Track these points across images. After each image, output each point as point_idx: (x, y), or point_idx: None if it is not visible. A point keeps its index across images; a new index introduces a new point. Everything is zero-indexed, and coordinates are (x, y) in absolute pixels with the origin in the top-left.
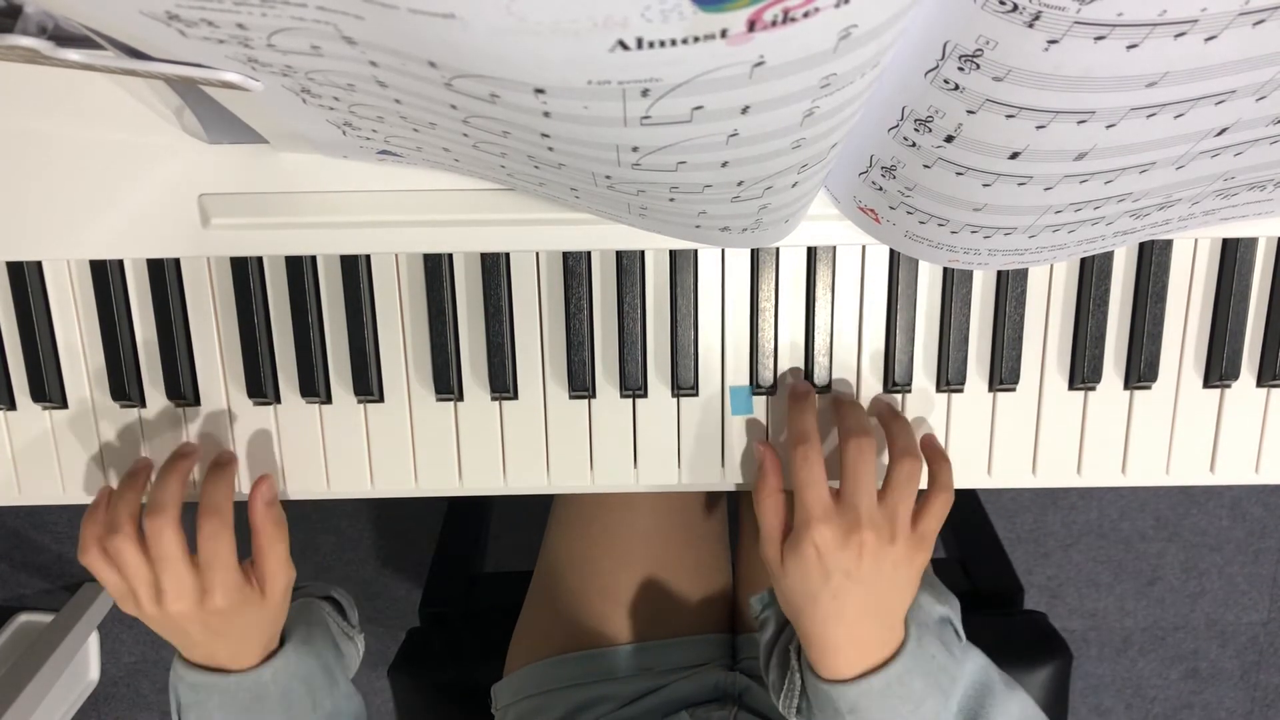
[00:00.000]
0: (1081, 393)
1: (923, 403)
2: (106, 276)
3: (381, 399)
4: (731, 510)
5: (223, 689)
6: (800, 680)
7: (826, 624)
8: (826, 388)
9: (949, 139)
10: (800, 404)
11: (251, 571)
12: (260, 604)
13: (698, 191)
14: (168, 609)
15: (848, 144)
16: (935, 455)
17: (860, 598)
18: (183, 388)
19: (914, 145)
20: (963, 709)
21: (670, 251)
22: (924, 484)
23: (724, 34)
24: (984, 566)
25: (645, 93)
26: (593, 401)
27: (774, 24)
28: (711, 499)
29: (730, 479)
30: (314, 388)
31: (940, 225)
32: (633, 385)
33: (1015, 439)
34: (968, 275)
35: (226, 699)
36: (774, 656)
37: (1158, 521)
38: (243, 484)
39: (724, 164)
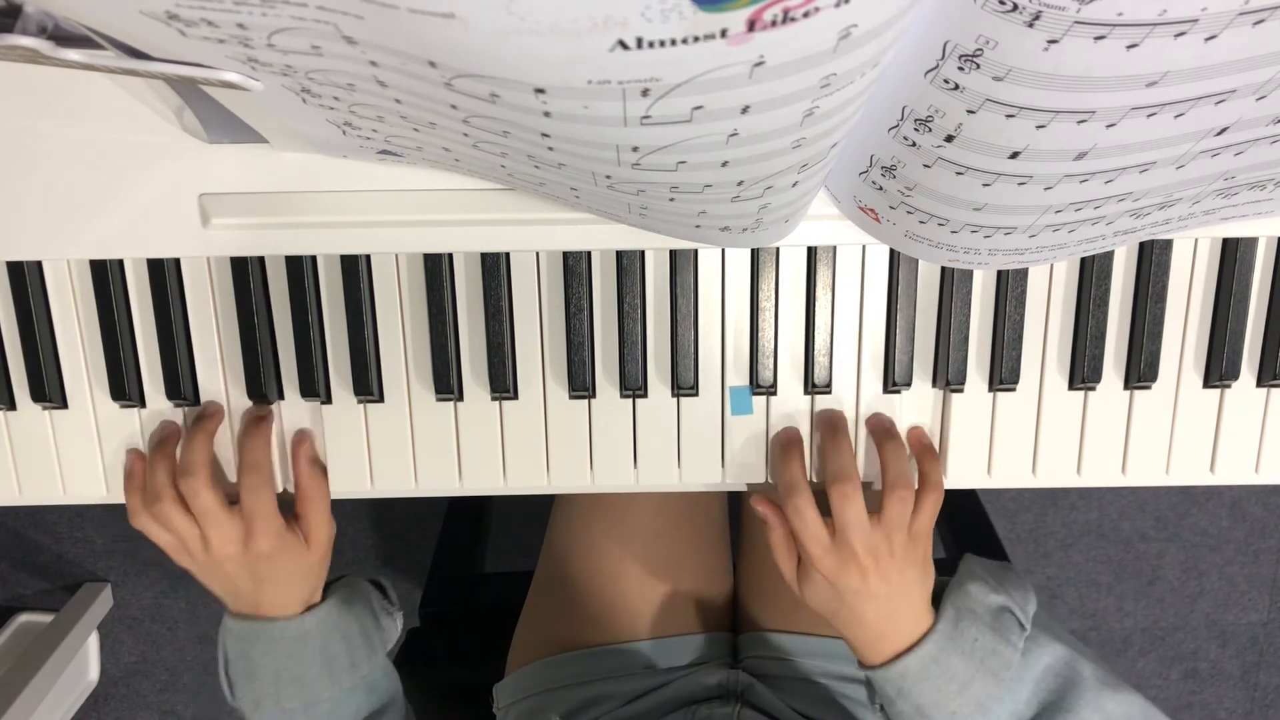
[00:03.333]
0: (1081, 393)
1: (922, 402)
2: (106, 276)
3: (381, 399)
4: (732, 510)
5: (267, 634)
6: None
7: (853, 629)
8: (827, 386)
9: (949, 139)
10: (787, 454)
11: (295, 525)
12: (304, 552)
13: (698, 191)
14: (215, 555)
15: (848, 144)
16: (925, 453)
17: (876, 603)
18: (183, 388)
19: (914, 145)
20: (1039, 698)
21: (670, 251)
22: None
23: (724, 34)
24: None
25: (645, 92)
26: (593, 401)
27: (774, 24)
28: (712, 498)
29: (730, 479)
30: (314, 388)
31: (940, 225)
32: (633, 385)
33: (1015, 439)
34: (968, 275)
35: (270, 645)
36: None
37: (1158, 521)
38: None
39: (724, 164)
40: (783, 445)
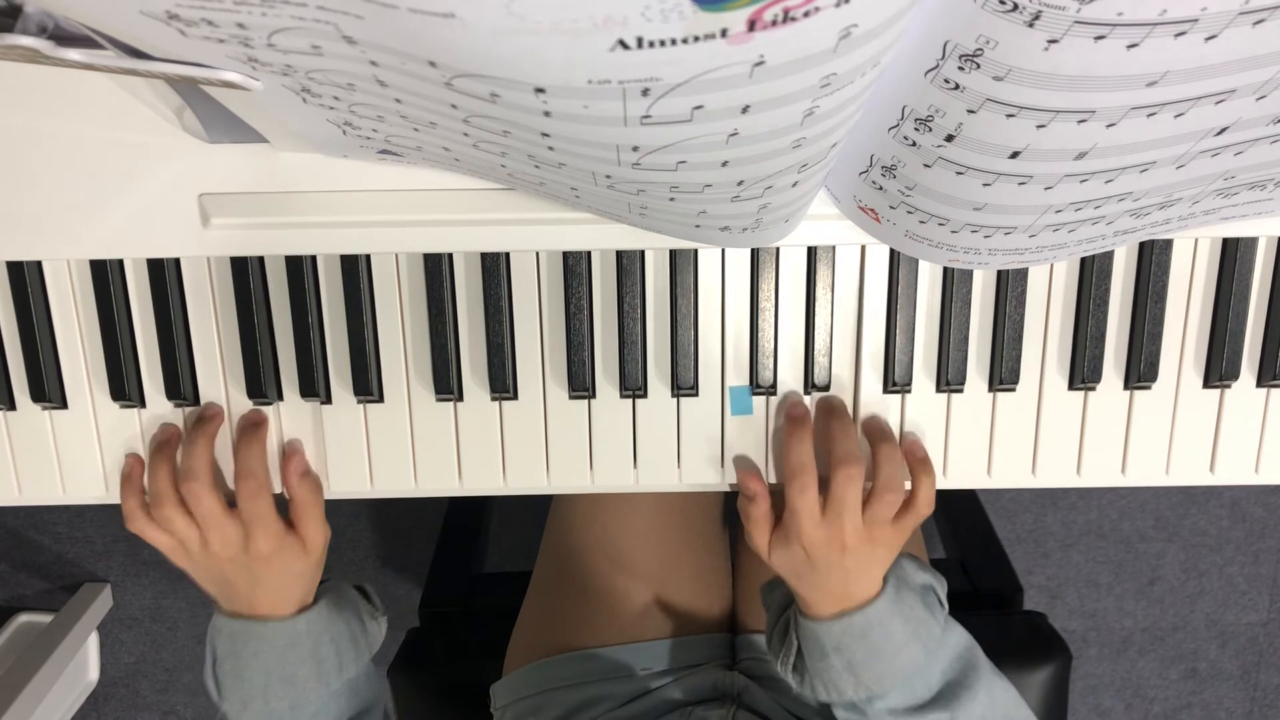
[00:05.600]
0: (1081, 393)
1: (923, 403)
2: (106, 276)
3: (381, 399)
4: (731, 510)
5: (259, 635)
6: (796, 641)
7: (811, 589)
8: (826, 387)
9: (949, 138)
10: (798, 432)
11: (292, 530)
12: (302, 554)
13: (698, 191)
14: (215, 555)
15: (848, 143)
16: (921, 468)
17: (843, 573)
18: (183, 388)
19: (914, 145)
20: (945, 675)
21: (670, 251)
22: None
23: (724, 33)
24: (984, 566)
25: (645, 92)
26: (593, 401)
27: (774, 23)
28: (711, 499)
29: (730, 479)
30: (314, 388)
31: (940, 225)
32: (633, 385)
33: (1015, 439)
34: (968, 275)
35: (262, 645)
36: (776, 631)
37: (1158, 521)
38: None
39: (724, 163)
40: (793, 422)
